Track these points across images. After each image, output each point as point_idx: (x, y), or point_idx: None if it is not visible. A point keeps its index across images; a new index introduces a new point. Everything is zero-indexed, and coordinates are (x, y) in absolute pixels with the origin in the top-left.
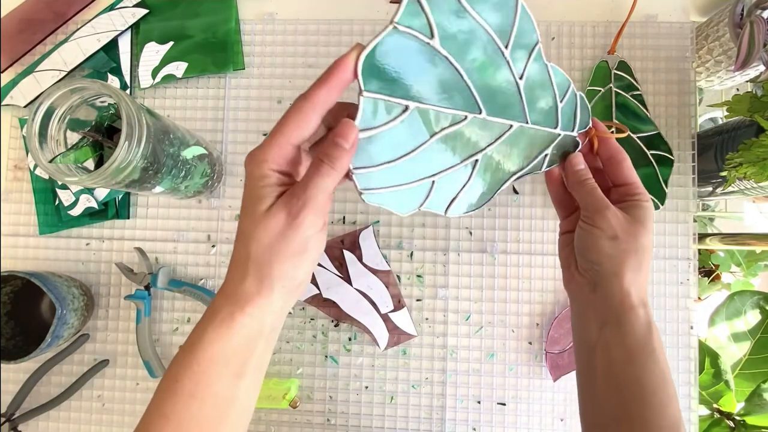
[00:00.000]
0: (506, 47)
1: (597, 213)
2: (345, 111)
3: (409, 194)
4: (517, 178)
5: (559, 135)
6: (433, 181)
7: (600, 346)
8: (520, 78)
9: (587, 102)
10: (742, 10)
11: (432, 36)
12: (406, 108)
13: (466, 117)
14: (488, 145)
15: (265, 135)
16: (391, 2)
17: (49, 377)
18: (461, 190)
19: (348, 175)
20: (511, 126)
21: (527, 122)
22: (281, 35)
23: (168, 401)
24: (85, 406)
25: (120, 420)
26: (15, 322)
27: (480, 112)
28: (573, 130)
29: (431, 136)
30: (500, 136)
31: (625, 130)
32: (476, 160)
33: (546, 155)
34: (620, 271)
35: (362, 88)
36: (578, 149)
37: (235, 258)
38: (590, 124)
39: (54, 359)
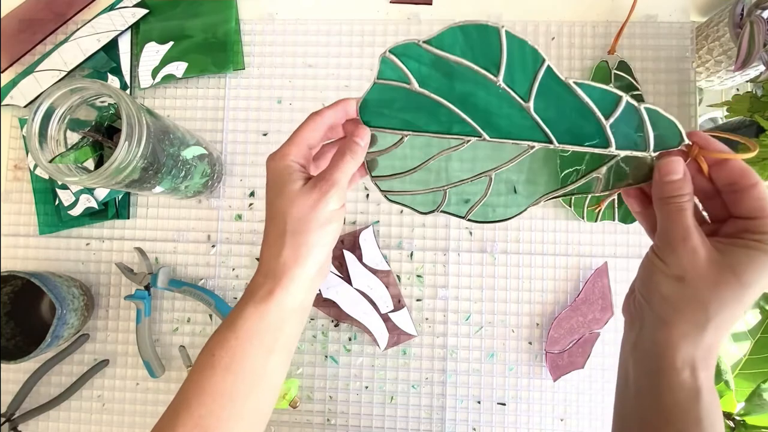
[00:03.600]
0: (497, 75)
1: (669, 244)
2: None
3: (426, 198)
4: (558, 197)
5: (616, 156)
6: (446, 191)
7: (637, 394)
8: (527, 100)
9: (667, 115)
10: (742, 10)
11: (409, 81)
12: (402, 138)
13: (468, 140)
14: (503, 164)
15: (265, 135)
16: (391, 2)
17: (49, 377)
18: (479, 200)
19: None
20: (530, 147)
21: (553, 143)
22: (281, 35)
23: (205, 374)
24: (85, 406)
25: (120, 420)
26: (15, 322)
27: (480, 136)
28: (647, 150)
29: (432, 157)
30: (517, 156)
31: (753, 146)
32: (489, 178)
33: (598, 178)
34: (672, 320)
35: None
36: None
37: (269, 237)
38: (684, 141)
39: (54, 359)
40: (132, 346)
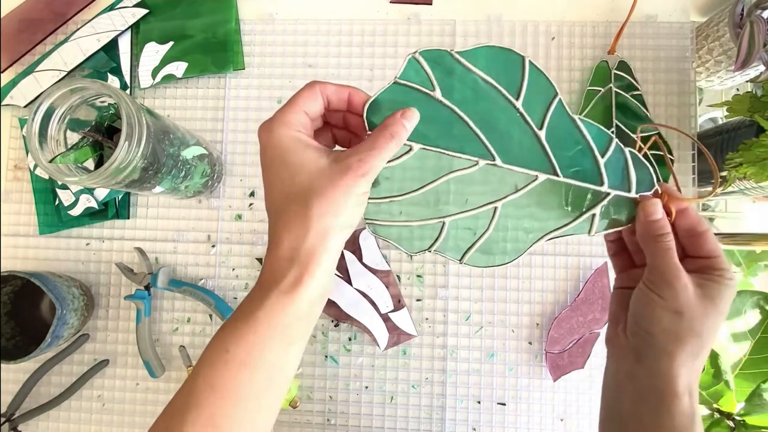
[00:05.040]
0: (517, 98)
1: (665, 281)
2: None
3: (418, 232)
4: (556, 236)
5: (608, 194)
6: (444, 223)
7: (634, 421)
8: (540, 128)
9: (644, 161)
10: (742, 10)
11: (433, 88)
12: (410, 148)
13: (477, 162)
14: (510, 194)
15: None
16: (391, 2)
17: (49, 377)
18: (479, 238)
19: None
20: (536, 177)
21: (557, 174)
22: (281, 35)
23: (216, 371)
24: (85, 406)
25: (120, 420)
26: (15, 322)
27: (493, 159)
28: (629, 191)
29: (438, 177)
30: (524, 186)
31: (715, 181)
32: (495, 209)
33: (593, 215)
34: (674, 350)
35: (367, 130)
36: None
37: (289, 219)
38: (655, 186)
39: (54, 359)
40: (132, 346)
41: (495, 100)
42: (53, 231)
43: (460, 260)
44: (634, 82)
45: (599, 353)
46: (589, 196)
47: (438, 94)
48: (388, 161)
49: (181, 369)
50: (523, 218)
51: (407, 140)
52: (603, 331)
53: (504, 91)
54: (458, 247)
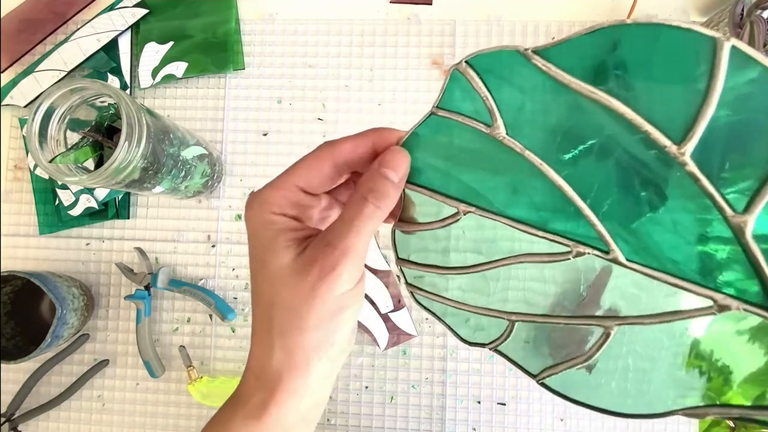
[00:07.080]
0: (683, 140)
1: None
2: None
3: (474, 320)
4: (730, 418)
5: None
6: (513, 323)
7: None
8: (743, 211)
9: None
10: (742, 10)
11: (492, 121)
12: (457, 212)
13: (581, 253)
14: (640, 320)
15: (265, 135)
16: (391, 2)
17: (49, 377)
18: (569, 362)
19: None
20: (720, 308)
21: None
22: (281, 35)
23: None
24: (85, 406)
25: (120, 420)
26: (15, 322)
27: (607, 252)
28: None
29: (506, 258)
30: (683, 315)
31: None
32: (608, 333)
33: None
34: None
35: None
36: None
37: (256, 325)
38: None
39: (54, 359)
40: (132, 346)
41: (619, 140)
42: (53, 231)
43: (536, 379)
44: None
45: None
46: None
47: (500, 130)
48: (425, 225)
49: (181, 369)
50: (659, 368)
51: (454, 197)
52: None
53: (644, 124)
54: (531, 361)
